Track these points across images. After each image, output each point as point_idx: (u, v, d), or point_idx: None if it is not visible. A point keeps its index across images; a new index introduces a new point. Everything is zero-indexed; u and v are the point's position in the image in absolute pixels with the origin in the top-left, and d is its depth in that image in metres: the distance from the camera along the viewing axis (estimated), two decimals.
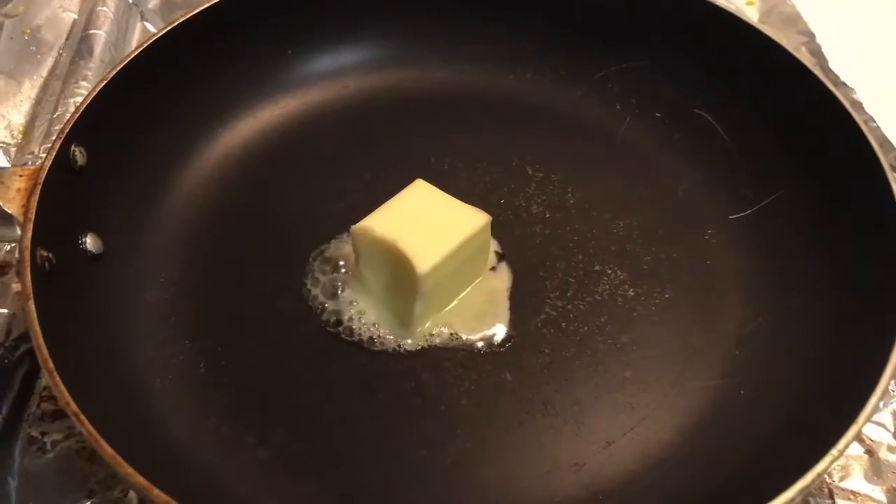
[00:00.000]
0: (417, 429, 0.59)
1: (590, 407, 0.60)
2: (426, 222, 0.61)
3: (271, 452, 0.58)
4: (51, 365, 0.51)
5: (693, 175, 0.73)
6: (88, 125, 0.62)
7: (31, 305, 0.52)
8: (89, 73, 0.83)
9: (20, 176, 0.58)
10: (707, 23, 0.73)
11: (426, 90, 0.78)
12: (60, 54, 0.87)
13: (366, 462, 0.58)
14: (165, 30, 0.69)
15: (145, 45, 0.67)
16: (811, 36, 0.90)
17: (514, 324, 0.64)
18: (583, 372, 0.62)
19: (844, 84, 0.83)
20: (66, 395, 0.50)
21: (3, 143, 0.79)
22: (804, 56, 0.86)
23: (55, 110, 0.81)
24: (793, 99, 0.69)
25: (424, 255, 0.59)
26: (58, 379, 0.50)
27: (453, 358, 0.62)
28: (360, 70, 0.79)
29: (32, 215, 0.56)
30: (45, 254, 0.56)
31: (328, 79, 0.78)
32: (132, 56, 0.66)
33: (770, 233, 0.68)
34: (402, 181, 0.64)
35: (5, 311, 0.66)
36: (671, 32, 0.75)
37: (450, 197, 0.63)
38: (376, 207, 0.63)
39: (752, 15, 0.93)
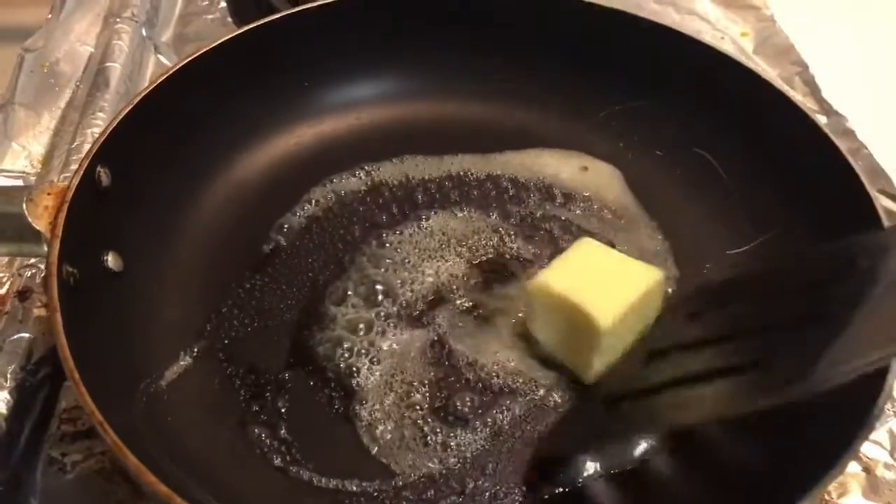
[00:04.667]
0: None
1: None
2: (601, 278, 0.61)
3: (284, 463, 0.59)
4: (76, 375, 0.52)
5: (693, 210, 0.75)
6: (114, 148, 0.64)
7: (58, 317, 0.54)
8: (106, 105, 0.86)
9: (48, 194, 0.60)
10: (704, 64, 0.76)
11: (436, 123, 0.81)
12: (78, 87, 0.90)
13: None
14: (186, 60, 0.71)
15: (168, 75, 0.70)
16: (804, 66, 0.92)
17: None
18: None
19: (837, 112, 0.85)
20: (91, 404, 0.51)
21: (24, 172, 0.82)
22: (798, 85, 0.89)
23: (73, 141, 0.83)
24: (784, 135, 0.71)
25: (605, 311, 0.59)
26: (83, 389, 0.52)
27: None
28: (372, 103, 0.82)
29: (59, 232, 0.57)
30: (70, 269, 0.58)
31: (342, 110, 0.81)
32: (155, 84, 0.69)
33: None
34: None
35: (27, 335, 0.67)
36: (670, 74, 0.77)
37: (618, 253, 0.65)
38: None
39: (746, 46, 0.96)
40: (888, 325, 0.44)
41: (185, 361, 0.64)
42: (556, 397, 0.63)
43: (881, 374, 0.54)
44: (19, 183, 0.81)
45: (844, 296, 0.45)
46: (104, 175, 0.63)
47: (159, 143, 0.70)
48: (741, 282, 0.57)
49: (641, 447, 0.60)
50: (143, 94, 0.67)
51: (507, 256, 0.72)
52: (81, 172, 0.61)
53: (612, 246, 0.72)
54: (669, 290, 0.70)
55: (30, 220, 0.59)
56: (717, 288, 0.58)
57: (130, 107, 0.66)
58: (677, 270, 0.71)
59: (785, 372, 0.45)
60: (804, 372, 0.43)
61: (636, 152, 0.79)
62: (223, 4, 1.01)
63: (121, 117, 0.65)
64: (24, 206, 0.59)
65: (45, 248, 0.58)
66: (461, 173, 0.78)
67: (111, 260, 0.64)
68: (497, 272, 0.71)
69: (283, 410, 0.62)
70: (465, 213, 0.75)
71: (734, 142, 0.75)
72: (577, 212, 0.75)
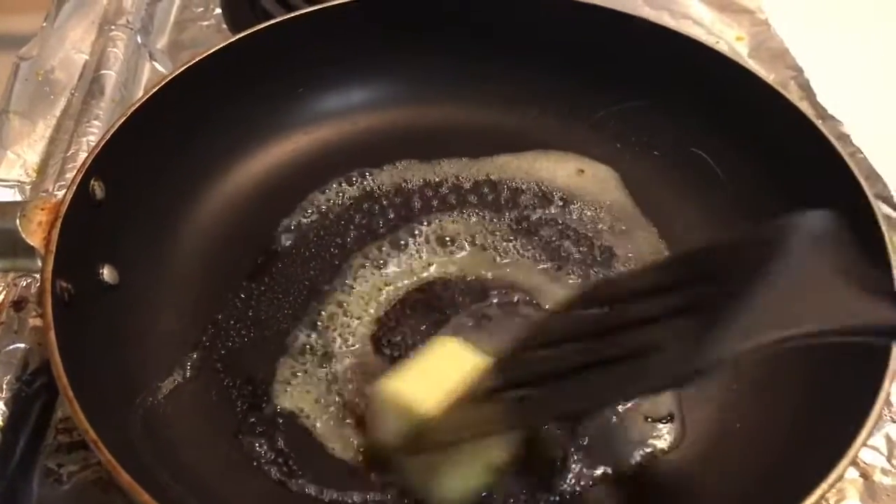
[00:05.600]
0: None
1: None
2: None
3: (281, 475, 0.59)
4: (70, 393, 0.52)
5: (691, 212, 0.75)
6: (107, 160, 0.64)
7: (52, 336, 0.54)
8: (101, 113, 0.85)
9: (42, 209, 0.59)
10: (701, 64, 0.75)
11: (432, 128, 0.81)
12: (73, 95, 0.89)
13: None
14: (180, 69, 0.71)
15: (162, 84, 0.69)
16: (799, 70, 0.92)
17: None
18: None
19: (832, 117, 0.85)
20: (85, 422, 0.51)
21: (19, 181, 0.82)
22: (793, 90, 0.89)
23: (68, 149, 0.82)
24: (783, 136, 0.71)
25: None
26: (77, 406, 0.52)
27: None
28: (369, 108, 0.81)
29: (53, 247, 0.57)
30: (64, 285, 0.58)
31: (338, 116, 0.81)
32: (149, 94, 0.68)
33: None
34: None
35: (23, 345, 0.67)
36: (667, 74, 0.77)
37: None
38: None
39: (741, 50, 0.96)
40: (785, 307, 0.42)
41: (181, 373, 0.64)
42: None
43: (877, 379, 0.54)
44: (14, 192, 0.81)
45: (736, 282, 0.44)
46: (98, 188, 0.63)
47: (154, 154, 0.70)
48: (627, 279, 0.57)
49: (640, 452, 0.60)
50: (136, 106, 0.67)
51: (505, 261, 0.71)
52: (75, 187, 0.60)
53: (611, 249, 0.72)
54: None
55: (23, 236, 0.59)
56: (604, 286, 0.57)
57: (124, 118, 0.66)
58: None
59: (671, 358, 0.43)
60: (690, 357, 0.42)
61: (633, 154, 0.79)
62: (218, 11, 1.00)
63: (114, 129, 0.65)
64: (18, 221, 0.59)
65: (40, 264, 0.58)
66: (457, 178, 0.78)
67: (106, 273, 0.64)
68: (495, 277, 0.70)
69: (280, 421, 0.62)
70: (462, 217, 0.75)
71: (732, 142, 0.75)
72: (575, 215, 0.75)
